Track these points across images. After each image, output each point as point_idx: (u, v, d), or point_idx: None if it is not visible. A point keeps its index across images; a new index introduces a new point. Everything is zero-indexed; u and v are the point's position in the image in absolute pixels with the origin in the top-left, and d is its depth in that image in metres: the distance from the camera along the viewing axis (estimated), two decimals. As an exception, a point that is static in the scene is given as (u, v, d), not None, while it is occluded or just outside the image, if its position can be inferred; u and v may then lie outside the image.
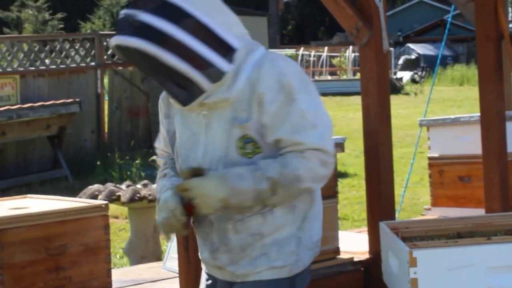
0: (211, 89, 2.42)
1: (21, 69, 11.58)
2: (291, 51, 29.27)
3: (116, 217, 8.46)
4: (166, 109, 2.67)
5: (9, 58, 11.56)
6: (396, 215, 4.52)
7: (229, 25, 2.48)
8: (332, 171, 2.52)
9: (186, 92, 2.45)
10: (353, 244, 4.50)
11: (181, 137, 2.58)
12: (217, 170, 2.48)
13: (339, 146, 4.07)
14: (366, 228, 4.51)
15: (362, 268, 4.21)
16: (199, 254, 2.68)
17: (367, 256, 4.25)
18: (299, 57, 27.19)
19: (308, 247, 2.57)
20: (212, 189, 2.42)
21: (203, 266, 2.70)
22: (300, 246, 2.54)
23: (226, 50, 2.43)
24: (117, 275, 3.93)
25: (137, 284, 3.97)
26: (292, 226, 2.53)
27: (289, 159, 2.44)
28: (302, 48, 28.23)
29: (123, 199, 5.55)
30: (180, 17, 2.39)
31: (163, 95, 2.66)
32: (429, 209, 5.60)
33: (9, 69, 11.49)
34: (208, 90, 2.42)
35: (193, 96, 2.45)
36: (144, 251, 5.85)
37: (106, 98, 12.97)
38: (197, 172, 2.46)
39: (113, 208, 6.76)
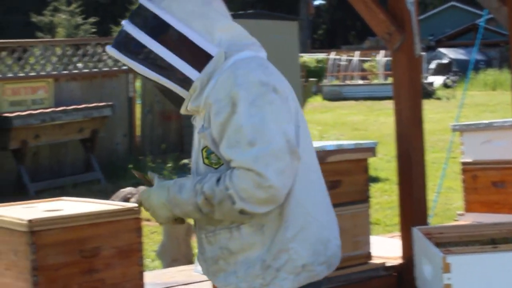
0: (187, 96, 2.44)
1: (55, 72, 11.68)
2: (322, 56, 29.23)
3: (148, 220, 8.50)
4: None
5: (42, 62, 11.66)
6: (429, 221, 4.49)
7: (211, 30, 2.45)
8: (278, 195, 2.33)
9: (177, 99, 2.49)
10: (385, 249, 4.48)
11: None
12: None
13: (371, 150, 4.06)
14: (398, 233, 4.49)
15: (394, 274, 4.19)
16: None
17: (399, 261, 4.23)
18: (330, 62, 27.14)
19: (287, 271, 2.43)
20: (157, 200, 2.47)
21: None
22: (267, 270, 2.43)
23: (199, 58, 2.42)
24: (149, 277, 3.95)
25: (169, 287, 3.98)
26: (262, 247, 2.43)
27: (225, 176, 2.34)
28: (333, 53, 28.16)
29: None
30: (155, 26, 2.42)
31: None
32: (462, 214, 5.56)
33: (42, 73, 11.60)
34: (186, 97, 2.44)
35: (180, 102, 2.48)
36: (176, 254, 5.87)
37: (138, 101, 13.04)
38: (148, 180, 2.55)
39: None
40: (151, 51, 2.42)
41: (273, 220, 2.42)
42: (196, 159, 2.50)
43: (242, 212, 2.34)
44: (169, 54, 2.41)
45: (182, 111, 2.50)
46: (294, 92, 2.54)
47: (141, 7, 2.46)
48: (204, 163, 2.45)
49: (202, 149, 2.44)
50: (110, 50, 2.47)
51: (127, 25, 2.46)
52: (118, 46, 2.46)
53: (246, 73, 2.37)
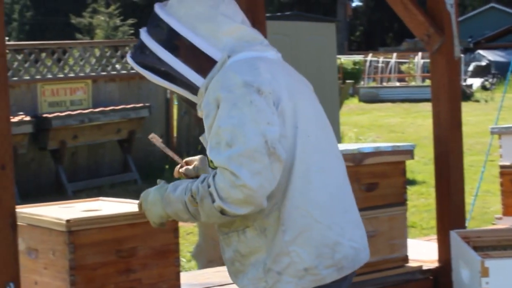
0: (196, 100, 2.49)
1: (93, 74, 11.79)
2: (359, 57, 29.12)
3: (184, 221, 8.53)
4: None
5: (81, 63, 11.78)
6: (466, 224, 4.46)
7: (216, 34, 2.47)
8: (251, 197, 2.32)
9: (192, 104, 2.54)
10: (422, 252, 4.45)
11: None
12: None
13: (409, 153, 4.04)
14: (435, 236, 4.45)
15: (431, 277, 4.16)
16: None
17: (436, 264, 4.20)
18: (367, 63, 27.03)
19: (289, 274, 2.43)
20: (153, 198, 2.53)
21: None
22: (268, 273, 2.44)
23: (203, 64, 2.46)
24: (185, 278, 3.97)
25: (206, 287, 3.99)
26: (265, 251, 2.44)
27: (210, 175, 2.37)
28: (370, 54, 28.05)
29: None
30: (163, 33, 2.47)
31: None
32: (500, 218, 5.50)
33: (81, 74, 11.71)
34: (197, 101, 2.49)
35: (194, 105, 2.53)
36: (212, 255, 5.88)
37: (175, 103, 13.11)
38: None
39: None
40: (160, 58, 2.47)
41: (273, 223, 2.43)
42: (207, 163, 2.57)
43: (222, 212, 2.36)
44: (176, 61, 2.46)
45: (199, 114, 2.53)
46: (303, 92, 2.54)
47: (153, 14, 2.52)
48: (209, 167, 2.47)
49: (206, 154, 2.45)
50: (128, 59, 2.57)
51: (142, 32, 2.52)
52: (134, 54, 2.55)
53: (233, 75, 2.39)
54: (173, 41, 2.46)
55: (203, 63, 2.45)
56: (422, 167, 11.73)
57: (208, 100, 2.40)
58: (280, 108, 2.41)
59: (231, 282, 4.09)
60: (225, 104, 2.35)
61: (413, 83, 25.84)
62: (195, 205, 2.39)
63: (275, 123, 2.37)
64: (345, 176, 2.59)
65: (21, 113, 10.37)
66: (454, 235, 3.72)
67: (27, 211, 3.25)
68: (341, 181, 2.55)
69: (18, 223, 2.96)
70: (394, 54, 27.55)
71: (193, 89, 2.47)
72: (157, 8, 2.51)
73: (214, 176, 2.35)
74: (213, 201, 2.35)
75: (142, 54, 2.51)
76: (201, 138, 2.53)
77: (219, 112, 2.36)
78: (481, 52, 32.24)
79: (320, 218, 2.44)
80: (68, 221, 3.02)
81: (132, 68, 12.27)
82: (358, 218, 2.60)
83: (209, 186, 2.35)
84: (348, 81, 22.65)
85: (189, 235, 8.14)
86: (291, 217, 2.42)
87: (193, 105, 2.55)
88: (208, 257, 5.89)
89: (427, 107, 20.74)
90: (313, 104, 2.56)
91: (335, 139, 2.62)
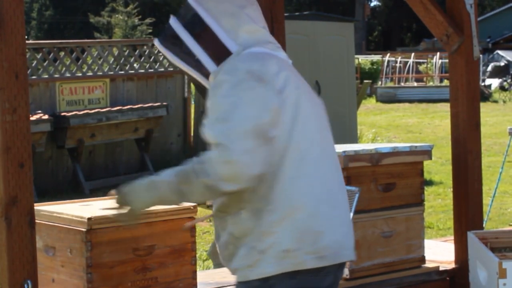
0: (208, 84, 2.59)
1: (111, 72, 11.82)
2: (377, 57, 29.04)
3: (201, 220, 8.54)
4: None
5: (99, 62, 11.81)
6: (483, 225, 4.44)
7: (237, 29, 2.62)
8: (238, 174, 2.41)
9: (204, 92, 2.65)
10: (439, 253, 4.44)
11: None
12: None
13: (427, 153, 4.02)
14: (451, 237, 4.44)
15: (447, 278, 4.15)
16: None
17: (453, 265, 4.19)
18: (385, 63, 26.96)
19: (271, 255, 2.50)
20: (138, 184, 2.60)
21: None
22: (251, 252, 2.52)
23: (220, 53, 2.60)
24: (201, 277, 3.97)
25: (222, 286, 4.00)
26: (254, 231, 2.52)
27: (199, 154, 2.47)
28: (388, 54, 27.97)
29: (208, 201, 5.60)
30: (190, 19, 2.63)
31: None
32: (518, 219, 5.47)
33: (99, 73, 11.75)
34: (208, 86, 2.60)
35: (205, 93, 2.63)
36: (228, 254, 5.89)
37: (193, 102, 13.12)
38: None
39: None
40: (182, 41, 2.62)
41: (263, 204, 2.51)
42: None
43: (209, 187, 2.44)
44: (195, 45, 2.61)
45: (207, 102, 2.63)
46: (308, 93, 2.63)
47: (186, 1, 2.68)
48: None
49: None
50: (155, 40, 2.69)
51: (172, 17, 2.67)
52: (161, 36, 2.68)
53: (240, 63, 2.54)
54: (197, 27, 2.62)
55: (220, 52, 2.60)
56: (439, 167, 11.69)
57: (214, 83, 2.54)
58: (283, 95, 2.52)
59: (248, 281, 4.10)
60: (226, 85, 2.49)
61: (431, 83, 25.75)
62: (184, 184, 2.47)
63: (270, 111, 2.48)
64: (340, 178, 2.68)
65: (39, 111, 10.42)
66: (471, 236, 3.71)
67: (45, 208, 3.27)
68: (335, 180, 2.64)
69: (36, 220, 2.98)
70: (412, 54, 27.45)
71: (205, 73, 2.61)
72: None
73: (205, 154, 2.45)
74: (201, 176, 2.44)
75: (168, 36, 2.66)
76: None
77: (219, 91, 2.49)
78: (499, 52, 32.06)
79: (306, 205, 2.53)
80: (89, 219, 3.04)
81: (150, 67, 12.34)
82: (347, 218, 2.67)
83: (197, 163, 2.45)
84: (365, 81, 22.60)
85: (205, 234, 8.16)
86: (279, 199, 2.51)
87: (204, 93, 2.66)
88: (224, 256, 5.89)
89: (445, 107, 20.65)
90: (316, 107, 2.66)
91: (333, 145, 2.72)
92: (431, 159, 4.08)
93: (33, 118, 9.70)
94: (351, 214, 3.16)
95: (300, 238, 2.51)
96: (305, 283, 2.53)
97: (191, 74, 2.64)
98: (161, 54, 12.45)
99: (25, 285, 2.87)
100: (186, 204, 3.31)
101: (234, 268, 2.59)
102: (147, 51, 12.32)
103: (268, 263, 2.51)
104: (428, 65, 26.95)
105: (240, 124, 2.43)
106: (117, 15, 34.41)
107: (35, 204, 2.98)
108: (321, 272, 2.54)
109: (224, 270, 4.59)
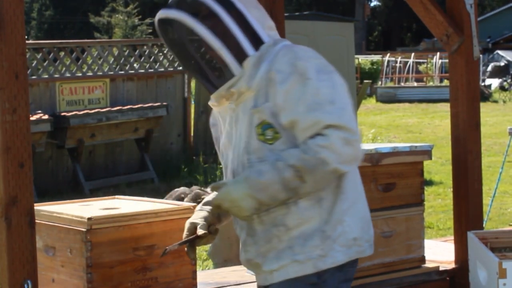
0: (239, 73, 2.50)
1: (111, 73, 11.82)
2: (377, 57, 29.05)
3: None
4: (212, 119, 2.83)
5: (99, 62, 11.81)
6: (483, 225, 4.44)
7: (262, 22, 2.59)
8: (360, 151, 2.44)
9: (218, 77, 2.56)
10: (439, 253, 4.44)
11: (222, 139, 2.71)
12: (243, 161, 2.53)
13: (427, 153, 4.02)
14: (451, 237, 4.44)
15: (447, 278, 4.15)
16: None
17: (453, 265, 4.19)
18: (385, 63, 26.96)
19: (340, 243, 2.51)
20: (238, 192, 2.44)
21: None
22: (326, 241, 2.49)
23: (255, 40, 2.54)
24: (201, 277, 3.97)
25: (222, 286, 4.00)
26: (320, 220, 2.49)
27: (309, 144, 2.40)
28: (388, 54, 27.98)
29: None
30: (227, 2, 2.54)
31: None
32: (518, 219, 5.48)
33: (99, 73, 11.75)
34: (237, 74, 2.50)
35: (224, 80, 2.54)
36: (228, 254, 5.89)
37: (193, 102, 13.12)
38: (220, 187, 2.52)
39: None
40: (219, 20, 2.51)
41: (331, 192, 2.50)
42: (247, 139, 2.54)
43: (334, 172, 2.41)
44: (235, 26, 2.52)
45: (226, 87, 2.54)
46: None
47: None
48: (259, 139, 2.50)
49: (257, 126, 2.50)
50: (172, 12, 2.54)
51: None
52: (181, 8, 2.53)
53: (303, 50, 2.51)
54: (232, 11, 2.54)
55: (255, 39, 2.54)
56: (439, 167, 11.69)
57: (280, 68, 2.46)
58: None
59: (248, 281, 4.10)
60: (311, 70, 2.44)
61: (431, 83, 25.75)
62: (300, 179, 2.40)
63: None
64: None
65: (39, 111, 10.43)
66: (471, 236, 3.71)
67: (45, 208, 3.27)
68: None
69: (36, 220, 2.98)
70: (412, 54, 27.46)
71: (239, 56, 2.52)
72: None
73: (316, 142, 2.38)
74: (327, 164, 2.38)
75: (198, 11, 2.53)
76: (254, 110, 2.51)
77: (310, 76, 2.43)
78: (499, 52, 32.07)
79: (362, 194, 2.59)
80: (89, 219, 3.04)
81: (150, 67, 12.33)
82: None
83: (317, 153, 2.39)
84: (365, 81, 22.60)
85: (205, 234, 8.14)
86: (349, 187, 2.53)
87: (210, 84, 2.59)
88: (224, 256, 5.90)
89: (445, 107, 20.66)
90: None
91: None
92: (431, 159, 4.07)
93: (33, 118, 9.71)
94: None
95: (362, 226, 2.55)
96: (348, 275, 2.57)
97: (222, 54, 2.52)
98: (161, 54, 12.49)
99: (25, 285, 2.87)
100: (186, 204, 3.31)
101: (278, 263, 2.51)
102: (147, 51, 12.32)
103: (338, 252, 2.50)
104: (428, 65, 26.96)
105: (346, 104, 2.44)
106: (117, 15, 34.43)
107: (35, 204, 2.98)
108: (355, 262, 2.59)
109: (224, 270, 4.59)
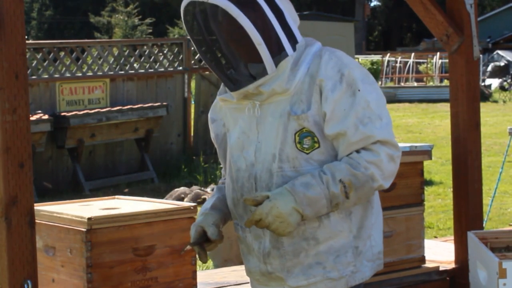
0: (273, 72, 2.39)
1: (111, 73, 11.82)
2: (377, 57, 29.04)
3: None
4: (213, 114, 2.62)
5: (99, 62, 11.81)
6: (483, 225, 4.44)
7: (294, 18, 2.50)
8: (397, 168, 2.40)
9: (240, 72, 2.43)
10: (439, 253, 4.44)
11: (232, 137, 2.53)
12: (271, 168, 2.40)
13: (427, 153, 4.02)
14: (451, 237, 4.44)
15: (447, 278, 4.15)
16: (244, 265, 2.63)
17: (453, 265, 4.19)
18: (385, 63, 26.95)
19: (367, 258, 2.45)
20: (286, 207, 2.33)
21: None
22: (358, 257, 2.43)
23: (292, 39, 2.45)
24: (201, 277, 3.97)
25: (221, 286, 4.00)
26: (348, 234, 2.42)
27: (357, 158, 2.34)
28: (388, 54, 27.98)
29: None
30: (270, 3, 2.42)
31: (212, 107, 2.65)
32: (518, 219, 5.48)
33: (99, 73, 11.75)
34: (270, 73, 2.39)
35: (246, 76, 2.41)
36: (228, 254, 5.89)
37: (193, 102, 13.12)
38: (260, 201, 2.37)
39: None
40: (262, 14, 2.39)
41: (360, 206, 2.43)
42: (281, 146, 2.41)
43: (379, 188, 2.38)
44: (276, 23, 2.41)
45: (255, 85, 2.40)
46: None
47: None
48: (297, 148, 2.39)
49: (295, 133, 2.40)
50: (221, 1, 2.36)
51: None
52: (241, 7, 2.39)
53: (345, 55, 2.44)
54: (273, 6, 2.43)
55: (293, 40, 2.45)
56: (439, 167, 11.69)
57: (328, 74, 2.38)
58: None
59: (247, 281, 4.10)
60: (362, 80, 2.39)
61: (431, 83, 25.74)
62: (344, 194, 2.33)
63: None
64: None
65: (39, 111, 10.42)
66: (471, 236, 3.71)
67: (45, 208, 3.27)
68: None
69: (36, 220, 2.98)
70: (412, 54, 27.44)
71: (279, 55, 2.42)
72: None
73: (364, 157, 2.34)
74: (375, 181, 2.35)
75: (245, 5, 2.39)
76: (297, 117, 2.39)
77: (360, 87, 2.38)
78: (499, 52, 32.06)
79: (380, 207, 2.55)
80: (89, 219, 3.04)
81: (150, 67, 12.33)
82: None
83: (367, 169, 2.34)
84: (365, 81, 22.58)
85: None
86: (376, 201, 2.50)
87: (232, 79, 2.44)
88: (224, 256, 5.90)
89: (445, 107, 20.61)
90: None
91: None
92: (431, 159, 4.08)
93: (33, 118, 9.70)
94: None
95: (381, 238, 2.52)
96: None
97: (260, 50, 2.38)
98: (161, 54, 12.49)
99: (25, 285, 2.87)
100: (186, 204, 3.31)
101: (307, 278, 2.42)
102: (147, 51, 12.32)
103: (365, 266, 2.46)
104: (428, 65, 26.94)
105: (389, 119, 2.41)
106: (117, 15, 34.42)
107: (35, 204, 2.98)
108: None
109: (224, 270, 4.59)
